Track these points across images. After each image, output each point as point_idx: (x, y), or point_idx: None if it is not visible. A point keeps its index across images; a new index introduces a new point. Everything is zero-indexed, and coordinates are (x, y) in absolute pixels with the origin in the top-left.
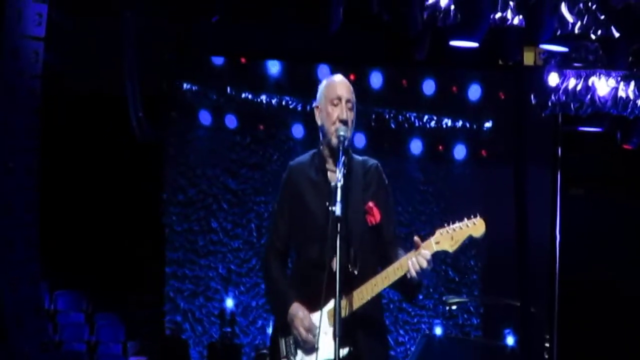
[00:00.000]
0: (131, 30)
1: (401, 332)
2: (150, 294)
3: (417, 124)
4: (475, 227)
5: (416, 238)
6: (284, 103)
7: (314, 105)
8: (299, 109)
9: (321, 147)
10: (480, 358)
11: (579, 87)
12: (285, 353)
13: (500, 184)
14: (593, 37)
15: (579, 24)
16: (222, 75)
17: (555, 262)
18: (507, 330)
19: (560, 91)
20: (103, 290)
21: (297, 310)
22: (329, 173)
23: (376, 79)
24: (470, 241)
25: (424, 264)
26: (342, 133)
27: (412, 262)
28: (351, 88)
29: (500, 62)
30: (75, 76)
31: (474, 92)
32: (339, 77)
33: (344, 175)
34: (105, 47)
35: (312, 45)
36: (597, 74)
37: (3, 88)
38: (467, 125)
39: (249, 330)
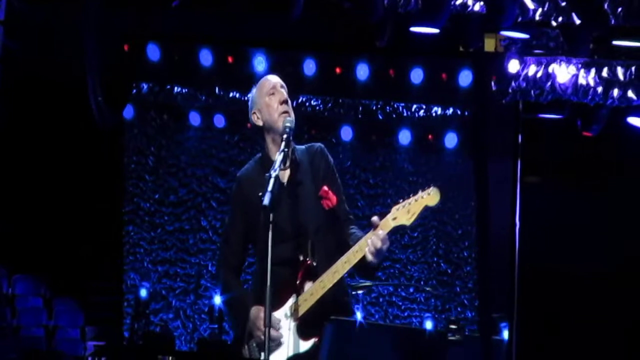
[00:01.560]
0: (91, 15)
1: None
2: (109, 280)
3: (405, 114)
4: (430, 196)
5: (374, 218)
6: None
7: (250, 114)
8: None
9: (266, 149)
10: (402, 344)
11: (539, 74)
12: (249, 357)
13: (495, 172)
14: (554, 24)
15: (540, 10)
16: (210, 76)
17: (515, 250)
18: (503, 324)
19: (521, 78)
20: (61, 275)
21: (257, 312)
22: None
23: (362, 71)
24: (427, 210)
25: (378, 244)
26: (288, 124)
27: (368, 244)
28: (281, 80)
29: (461, 49)
30: (34, 61)
31: (465, 78)
32: (267, 75)
33: (293, 173)
34: (65, 31)
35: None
36: (558, 61)
37: None
38: (459, 112)
39: None
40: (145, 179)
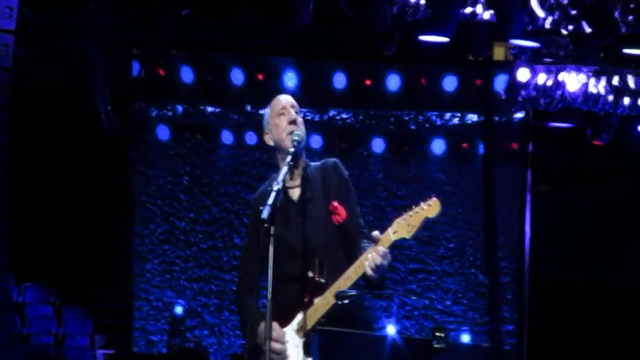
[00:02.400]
0: (99, 24)
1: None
2: (118, 288)
3: (438, 123)
4: (430, 207)
5: (375, 233)
6: (301, 115)
7: (263, 134)
8: (316, 119)
9: (286, 169)
10: (387, 353)
11: (549, 83)
12: None
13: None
14: (564, 32)
15: (549, 19)
16: (241, 94)
17: (524, 258)
18: None
19: (531, 86)
20: (71, 284)
21: (261, 327)
22: (289, 191)
23: (393, 82)
24: (463, 221)
25: (378, 260)
26: (296, 138)
27: (369, 260)
28: (293, 100)
29: (470, 57)
30: (44, 70)
31: (501, 83)
32: (279, 95)
33: (303, 190)
34: (74, 40)
35: (282, 42)
36: (568, 69)
37: None
38: (496, 118)
39: None
40: (180, 198)
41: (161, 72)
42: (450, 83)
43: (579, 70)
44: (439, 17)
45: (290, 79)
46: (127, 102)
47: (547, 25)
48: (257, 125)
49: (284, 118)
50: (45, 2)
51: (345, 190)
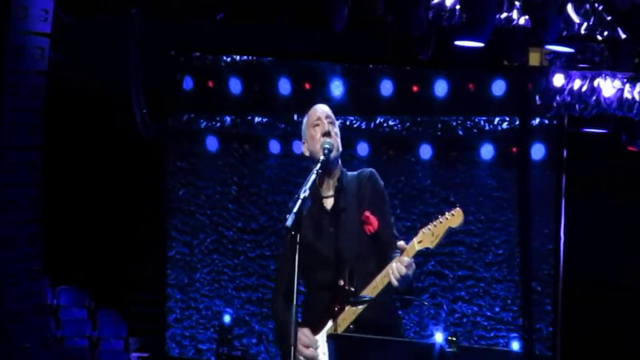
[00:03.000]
0: (136, 27)
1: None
2: (152, 292)
3: (487, 128)
4: (453, 217)
5: (400, 242)
6: (348, 123)
7: (302, 145)
8: (363, 127)
9: (314, 177)
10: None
11: (584, 88)
12: None
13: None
14: (599, 38)
15: (585, 24)
16: (289, 103)
17: (559, 263)
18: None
19: (566, 92)
20: (105, 287)
21: (299, 334)
22: (323, 200)
23: (440, 87)
24: (513, 226)
25: (403, 271)
26: (327, 146)
27: (392, 270)
28: (329, 110)
29: (505, 63)
30: (79, 73)
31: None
32: (316, 105)
33: (337, 200)
34: (109, 43)
35: (318, 46)
36: (603, 75)
37: (8, 84)
38: (546, 122)
39: None
40: (229, 208)
41: (210, 84)
42: (498, 88)
43: (614, 77)
44: (475, 22)
45: (337, 87)
46: (170, 110)
47: (583, 31)
48: None
49: (318, 129)
50: (81, 6)
51: (379, 200)
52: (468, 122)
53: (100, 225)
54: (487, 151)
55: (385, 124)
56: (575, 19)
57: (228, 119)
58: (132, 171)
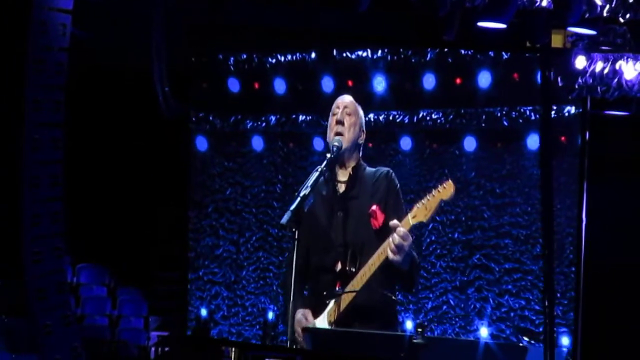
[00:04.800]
0: (159, 5)
1: (524, 342)
2: (173, 270)
3: (533, 118)
4: (445, 190)
5: (392, 221)
6: (391, 118)
7: None
8: (406, 121)
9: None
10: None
11: (606, 71)
12: None
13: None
14: (621, 20)
15: (607, 7)
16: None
17: (581, 249)
18: None
19: (587, 74)
20: (126, 265)
21: (300, 316)
22: (337, 184)
23: (484, 79)
24: (562, 217)
25: (397, 240)
26: (335, 143)
27: (389, 242)
28: (350, 100)
29: (527, 44)
30: (101, 50)
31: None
32: (343, 95)
33: (350, 187)
34: (132, 20)
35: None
36: (625, 57)
37: (33, 60)
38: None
39: None
40: (274, 206)
41: (256, 86)
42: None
43: (636, 59)
44: (497, 3)
45: (379, 83)
46: (188, 85)
47: (605, 13)
48: None
49: (334, 118)
50: None
51: (393, 197)
52: (513, 113)
53: (122, 203)
54: (533, 141)
55: (428, 118)
56: (598, 1)
57: (273, 118)
58: (155, 149)
